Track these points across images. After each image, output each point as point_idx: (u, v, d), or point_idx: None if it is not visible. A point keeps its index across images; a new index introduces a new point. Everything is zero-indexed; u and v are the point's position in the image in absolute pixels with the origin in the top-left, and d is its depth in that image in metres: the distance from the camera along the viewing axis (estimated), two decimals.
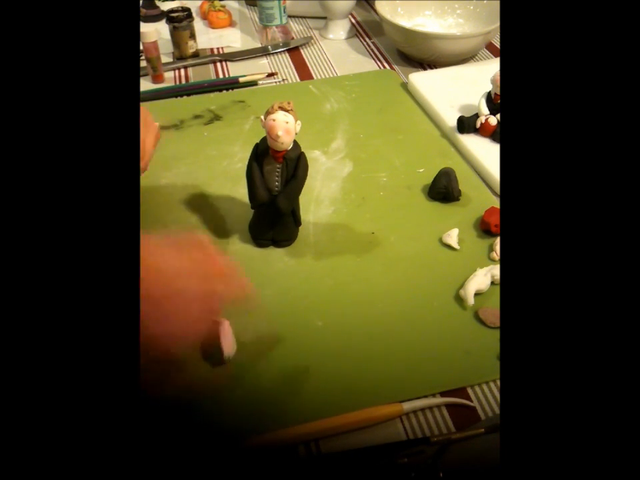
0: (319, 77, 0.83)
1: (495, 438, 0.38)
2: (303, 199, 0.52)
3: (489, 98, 0.65)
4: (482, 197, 0.59)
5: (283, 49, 0.90)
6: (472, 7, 0.88)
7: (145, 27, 0.81)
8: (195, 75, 0.84)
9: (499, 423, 0.40)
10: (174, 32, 0.85)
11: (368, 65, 0.86)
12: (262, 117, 0.47)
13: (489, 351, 0.44)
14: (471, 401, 0.41)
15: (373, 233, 0.55)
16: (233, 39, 0.94)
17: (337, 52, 0.90)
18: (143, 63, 0.81)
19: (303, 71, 0.85)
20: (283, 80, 0.83)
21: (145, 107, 0.53)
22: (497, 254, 0.52)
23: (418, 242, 0.54)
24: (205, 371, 0.43)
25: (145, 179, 0.61)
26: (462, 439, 0.38)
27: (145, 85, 0.81)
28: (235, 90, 0.80)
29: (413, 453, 0.37)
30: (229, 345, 0.44)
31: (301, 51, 0.90)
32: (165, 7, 0.99)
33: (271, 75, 0.82)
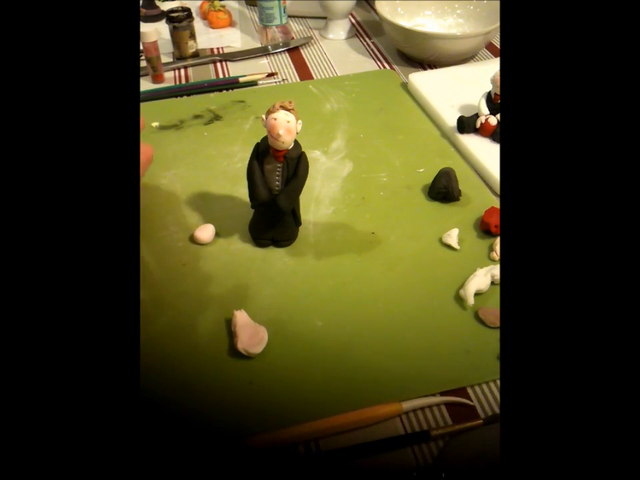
0: (319, 77, 0.83)
1: (496, 436, 0.38)
2: (303, 198, 0.52)
3: (489, 98, 0.65)
4: (482, 197, 0.59)
5: (283, 49, 0.90)
6: (472, 7, 0.88)
7: (144, 27, 0.81)
8: (195, 75, 0.84)
9: (498, 414, 0.40)
10: (174, 32, 0.85)
11: (368, 64, 0.86)
12: (263, 116, 0.47)
13: (488, 350, 0.44)
14: (471, 401, 0.41)
15: (372, 233, 0.55)
16: (232, 38, 0.94)
17: (336, 52, 0.90)
18: (143, 63, 0.81)
19: (303, 71, 0.85)
20: (283, 80, 0.83)
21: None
22: (496, 254, 0.52)
23: (418, 242, 0.54)
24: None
25: (145, 179, 0.62)
26: (461, 430, 0.39)
27: (145, 85, 0.81)
28: (234, 90, 0.80)
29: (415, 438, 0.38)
30: (244, 338, 0.44)
31: (301, 51, 0.90)
32: (165, 6, 0.99)
33: (270, 75, 0.82)
